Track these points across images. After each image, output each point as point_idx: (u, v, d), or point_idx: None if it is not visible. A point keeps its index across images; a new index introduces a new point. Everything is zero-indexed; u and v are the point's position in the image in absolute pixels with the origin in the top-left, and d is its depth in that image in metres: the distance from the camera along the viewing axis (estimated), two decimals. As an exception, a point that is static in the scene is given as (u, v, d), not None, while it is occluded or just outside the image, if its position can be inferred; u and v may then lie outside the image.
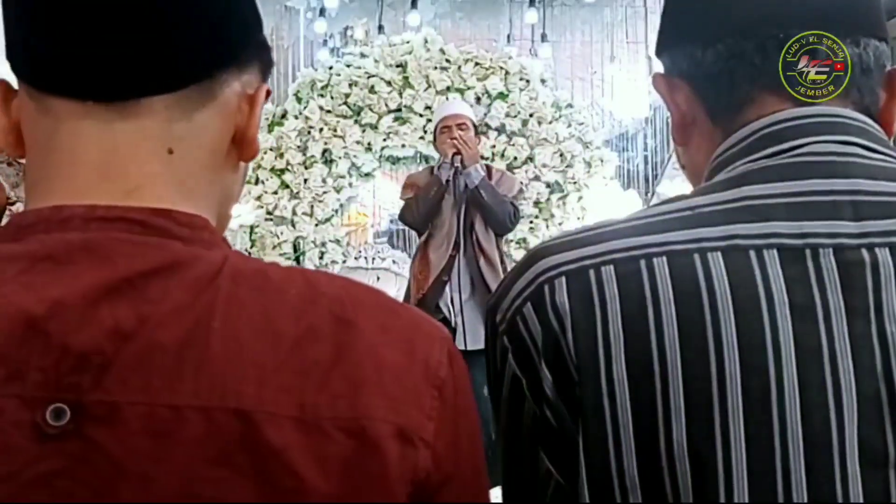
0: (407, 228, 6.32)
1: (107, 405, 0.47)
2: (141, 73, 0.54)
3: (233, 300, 0.51)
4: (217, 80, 0.57)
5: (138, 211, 0.53)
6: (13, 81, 0.58)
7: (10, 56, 0.56)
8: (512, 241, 5.81)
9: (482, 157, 5.54)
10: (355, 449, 0.50)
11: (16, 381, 0.47)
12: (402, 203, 3.79)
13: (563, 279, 0.63)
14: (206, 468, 0.47)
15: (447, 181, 3.57)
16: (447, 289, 3.59)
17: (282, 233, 5.88)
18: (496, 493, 0.68)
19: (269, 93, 0.62)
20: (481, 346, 3.45)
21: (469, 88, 5.92)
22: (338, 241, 6.01)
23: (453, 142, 3.59)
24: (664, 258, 0.61)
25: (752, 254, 0.61)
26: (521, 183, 5.66)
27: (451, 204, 3.61)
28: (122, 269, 0.50)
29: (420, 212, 3.62)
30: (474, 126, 3.77)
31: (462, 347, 3.53)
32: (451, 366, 0.56)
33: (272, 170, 5.90)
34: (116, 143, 0.54)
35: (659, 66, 0.77)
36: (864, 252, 0.60)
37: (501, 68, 5.99)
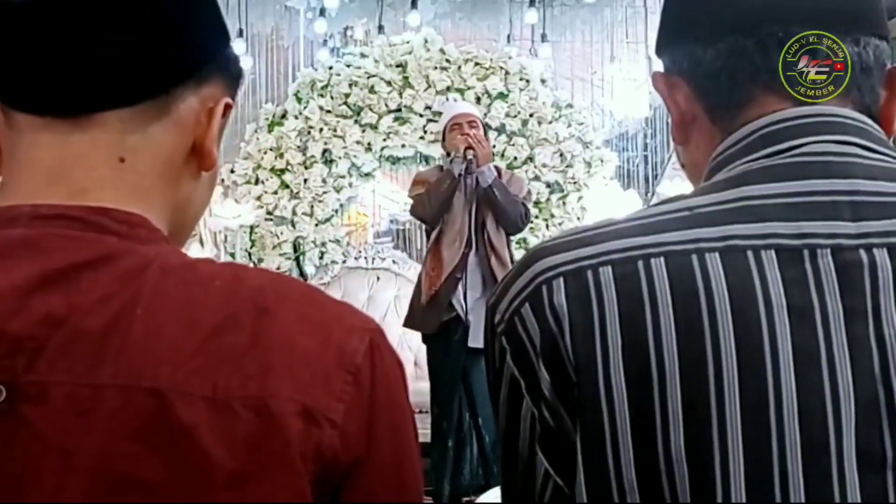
0: (406, 229, 6.31)
1: (37, 385, 0.51)
2: (95, 91, 0.58)
3: (158, 290, 0.54)
4: (172, 95, 0.61)
5: (78, 209, 0.57)
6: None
7: None
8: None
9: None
10: (259, 425, 0.52)
11: None
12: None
13: (561, 280, 0.63)
14: (122, 443, 0.51)
15: (459, 175, 3.57)
16: (459, 286, 3.60)
17: (282, 233, 5.88)
18: (496, 494, 0.68)
19: (229, 106, 0.65)
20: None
21: (469, 88, 5.92)
22: (338, 241, 6.01)
23: (466, 137, 3.60)
24: (662, 259, 0.61)
25: (751, 254, 0.60)
26: (525, 183, 5.68)
27: (463, 202, 3.63)
28: (57, 261, 0.54)
29: (433, 205, 3.63)
30: (483, 126, 3.79)
31: (471, 345, 3.55)
32: (372, 355, 0.58)
33: (272, 170, 5.90)
34: (69, 152, 0.59)
35: (659, 66, 0.77)
36: (863, 253, 0.60)
37: (501, 68, 5.99)
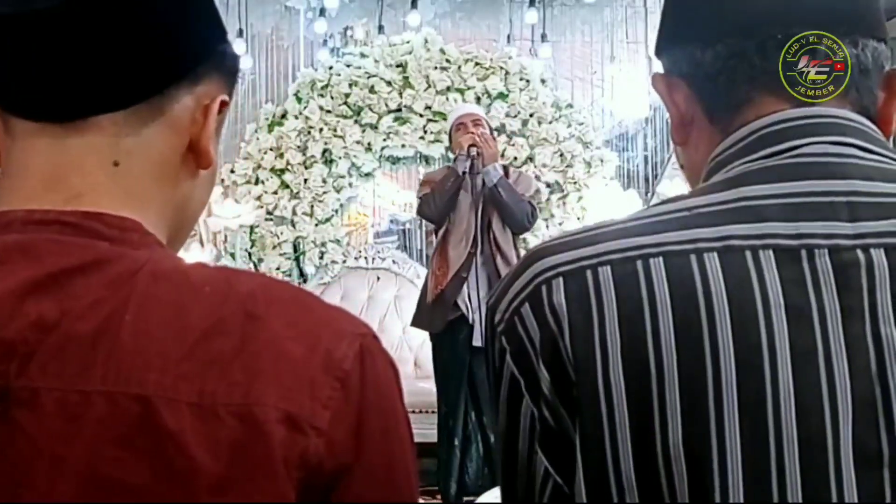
0: (407, 229, 6.31)
1: (29, 391, 0.52)
2: (87, 95, 0.58)
3: (147, 296, 0.55)
4: (167, 96, 0.60)
5: (71, 214, 0.57)
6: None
7: None
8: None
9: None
10: (243, 432, 0.52)
11: None
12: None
13: (561, 280, 0.63)
14: (109, 449, 0.51)
15: (464, 173, 3.58)
16: (465, 286, 3.61)
17: (282, 233, 5.87)
18: (496, 494, 0.68)
19: (225, 103, 0.65)
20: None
21: (469, 88, 5.92)
22: (338, 241, 6.01)
23: (470, 135, 3.61)
24: (661, 259, 0.61)
25: (749, 254, 0.61)
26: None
27: (469, 202, 3.63)
28: (49, 266, 0.54)
29: (438, 204, 3.64)
30: (489, 126, 3.80)
31: (476, 345, 3.56)
32: (362, 360, 0.57)
33: (272, 170, 5.89)
34: (64, 157, 0.59)
35: (659, 66, 0.77)
36: (860, 253, 0.60)
37: (501, 68, 5.99)
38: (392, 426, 0.59)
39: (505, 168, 3.79)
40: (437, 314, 3.66)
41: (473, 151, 3.57)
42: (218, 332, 0.54)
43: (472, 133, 3.64)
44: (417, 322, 3.78)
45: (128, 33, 0.58)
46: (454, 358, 3.68)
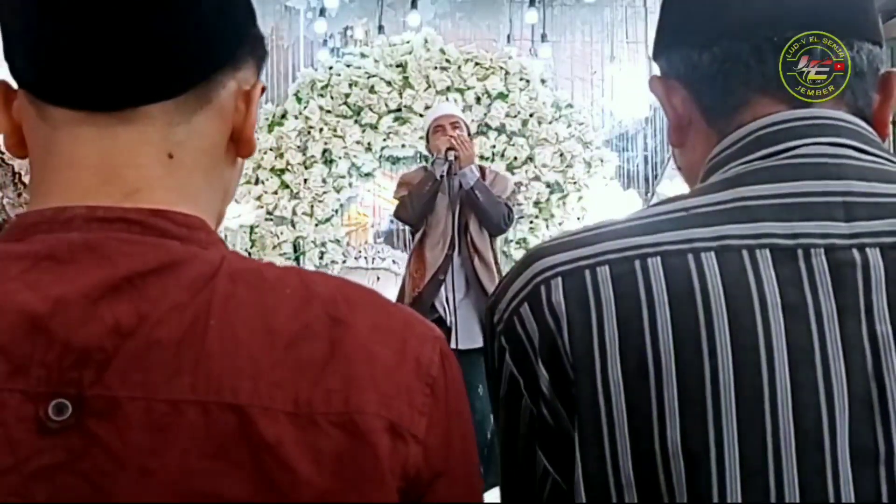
0: (406, 229, 6.32)
1: (107, 400, 0.48)
2: (137, 84, 0.55)
3: (230, 299, 0.52)
4: (213, 81, 0.58)
5: (137, 212, 0.54)
6: (13, 82, 0.59)
7: (10, 64, 0.57)
8: (512, 241, 5.82)
9: (481, 157, 5.57)
10: (348, 443, 0.51)
11: (19, 377, 0.48)
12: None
13: (559, 280, 0.63)
14: (203, 461, 0.49)
15: (441, 176, 3.58)
16: (442, 288, 3.59)
17: (282, 233, 5.88)
18: (496, 493, 0.69)
19: (263, 89, 0.63)
20: (474, 345, 3.47)
21: (469, 88, 5.93)
22: (338, 241, 6.02)
23: (448, 138, 3.61)
24: (658, 258, 0.62)
25: (745, 254, 0.61)
26: (521, 183, 5.67)
27: (446, 204, 3.62)
28: (122, 268, 0.51)
29: (415, 207, 3.63)
30: (467, 127, 3.79)
31: (454, 347, 3.54)
32: (444, 365, 0.57)
33: (272, 170, 5.90)
34: (116, 148, 0.56)
35: (658, 69, 0.78)
36: (856, 252, 0.61)
37: (501, 68, 6.00)
38: (469, 430, 0.59)
39: (482, 169, 3.77)
40: None
41: (451, 155, 3.56)
42: (306, 336, 0.52)
43: (450, 136, 3.63)
44: None
45: (177, 16, 0.55)
46: None
